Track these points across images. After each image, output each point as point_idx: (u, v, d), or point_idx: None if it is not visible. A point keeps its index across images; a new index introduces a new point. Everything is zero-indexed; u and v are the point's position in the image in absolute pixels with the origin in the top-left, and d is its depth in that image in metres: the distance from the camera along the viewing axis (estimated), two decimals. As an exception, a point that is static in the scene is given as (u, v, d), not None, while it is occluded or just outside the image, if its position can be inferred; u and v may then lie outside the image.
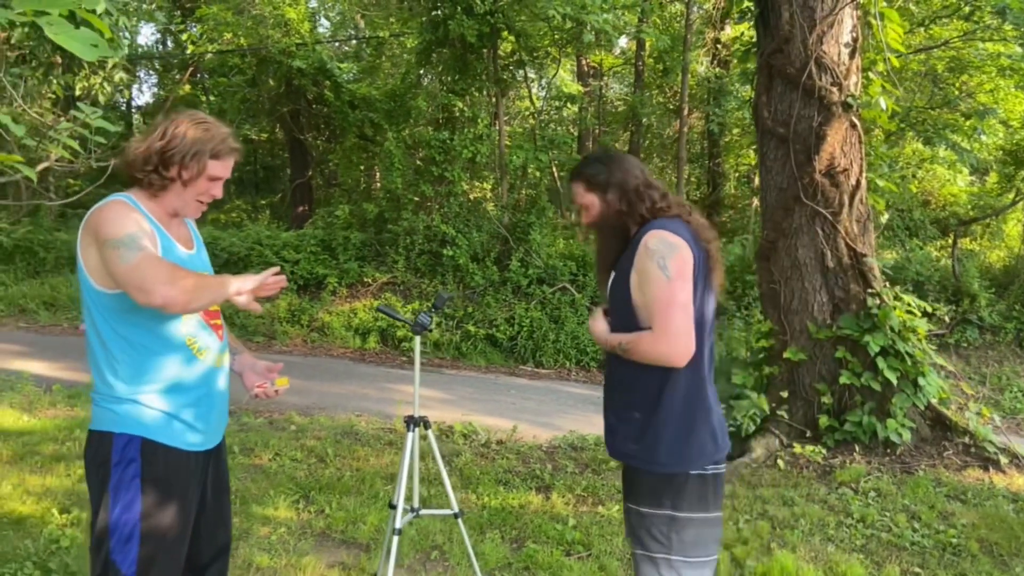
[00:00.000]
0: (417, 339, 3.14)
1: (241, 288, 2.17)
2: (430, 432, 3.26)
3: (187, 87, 21.51)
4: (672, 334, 2.30)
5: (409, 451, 3.11)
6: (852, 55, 5.94)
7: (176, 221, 2.33)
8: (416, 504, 3.28)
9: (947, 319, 12.15)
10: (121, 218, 2.12)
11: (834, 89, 5.84)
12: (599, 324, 2.56)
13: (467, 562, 3.89)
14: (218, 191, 2.29)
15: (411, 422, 3.17)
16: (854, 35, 5.96)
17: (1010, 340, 12.21)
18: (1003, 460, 5.62)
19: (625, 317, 2.44)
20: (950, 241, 13.92)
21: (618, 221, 2.53)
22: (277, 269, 2.31)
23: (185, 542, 2.29)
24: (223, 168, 2.25)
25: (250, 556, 3.85)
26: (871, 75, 6.24)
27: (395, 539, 3.03)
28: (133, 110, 24.47)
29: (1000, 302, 12.56)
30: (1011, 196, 14.94)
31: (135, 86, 23.59)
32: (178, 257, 2.26)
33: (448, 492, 3.34)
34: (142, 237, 2.10)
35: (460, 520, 3.31)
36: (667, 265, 2.32)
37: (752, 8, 6.67)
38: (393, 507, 3.12)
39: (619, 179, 2.52)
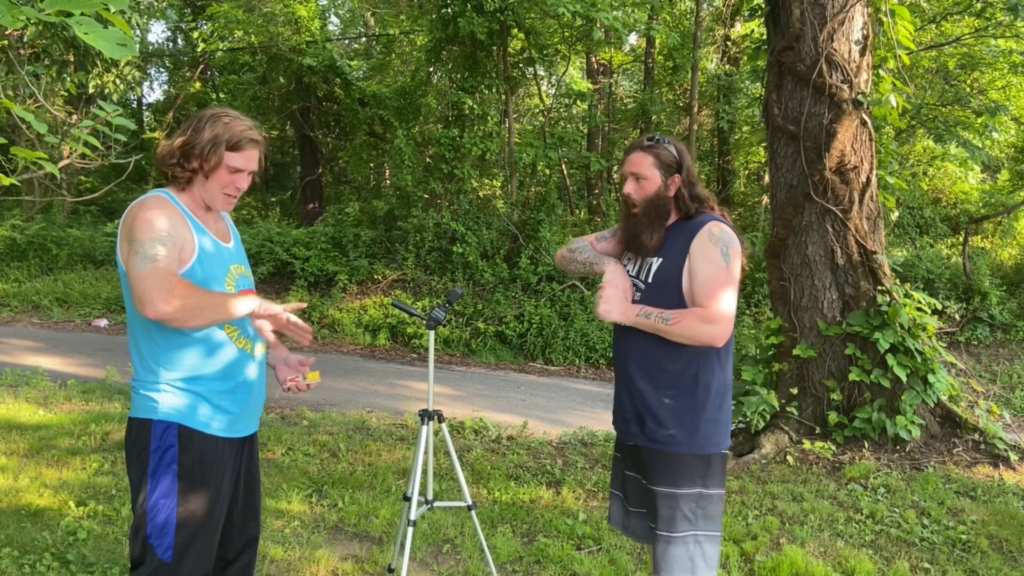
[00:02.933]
0: (431, 334, 3.18)
1: (254, 311, 2.28)
2: (443, 426, 3.29)
3: (197, 84, 21.61)
4: (722, 313, 2.37)
5: (423, 444, 3.14)
6: (863, 52, 5.94)
7: (212, 216, 2.39)
8: (430, 496, 3.31)
9: (957, 317, 12.12)
10: (153, 219, 2.18)
11: (844, 86, 5.84)
12: (622, 297, 2.51)
13: (479, 555, 3.93)
14: (242, 183, 2.35)
15: (425, 416, 3.21)
16: (864, 32, 5.96)
17: (1021, 338, 12.16)
18: (1013, 457, 5.62)
19: (665, 303, 2.46)
20: (961, 239, 13.87)
21: (667, 206, 2.55)
22: (302, 307, 2.41)
23: (219, 530, 2.34)
24: (243, 160, 2.31)
25: (264, 549, 3.89)
26: (882, 72, 6.24)
27: (410, 530, 3.07)
28: (144, 108, 24.58)
29: (1011, 300, 12.52)
30: (1023, 194, 14.88)
31: (145, 84, 23.72)
32: (216, 250, 2.33)
33: (461, 485, 3.38)
34: (161, 244, 2.15)
35: (473, 512, 3.35)
36: (728, 252, 2.42)
37: (762, 5, 6.68)
38: (407, 499, 3.16)
39: (687, 167, 2.56)
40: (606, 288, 2.53)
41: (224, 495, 2.34)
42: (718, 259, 2.41)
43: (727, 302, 2.38)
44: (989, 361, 11.97)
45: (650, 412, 2.50)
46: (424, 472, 3.17)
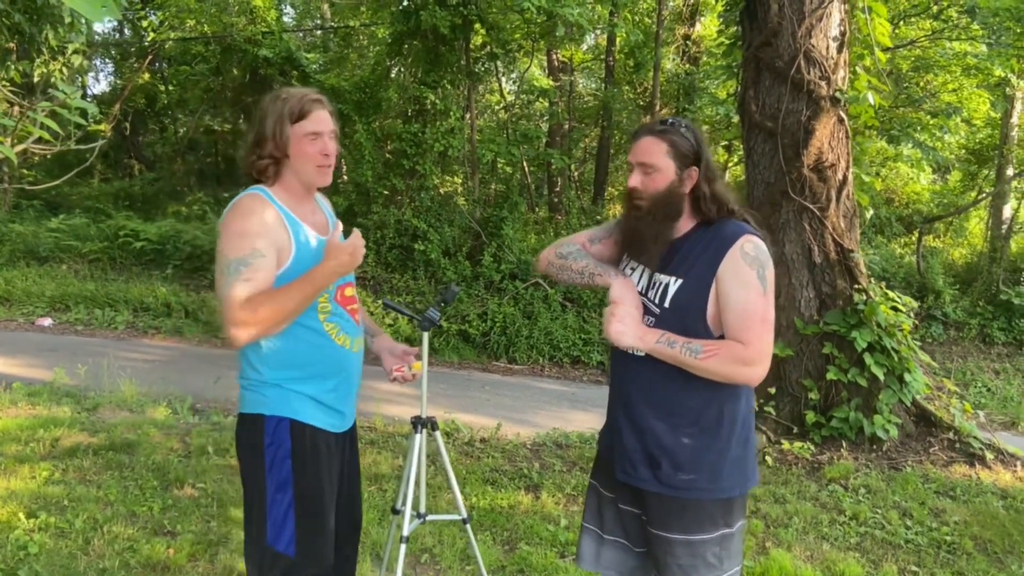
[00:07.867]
0: (425, 335, 2.98)
1: (337, 264, 2.19)
2: (437, 434, 3.09)
3: (146, 76, 20.92)
4: (763, 352, 2.03)
5: (416, 454, 2.94)
6: (840, 49, 5.91)
7: (311, 207, 2.33)
8: (422, 510, 3.10)
9: (912, 315, 12.32)
10: (243, 232, 2.13)
11: (822, 83, 5.79)
12: (637, 317, 2.12)
13: (459, 565, 3.77)
14: (327, 147, 2.26)
15: (418, 423, 3.01)
16: (842, 29, 5.92)
17: (974, 336, 12.41)
18: (988, 456, 5.64)
19: (685, 331, 2.08)
20: (914, 238, 14.12)
21: (679, 204, 2.13)
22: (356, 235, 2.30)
23: (332, 518, 2.35)
24: (314, 123, 2.23)
25: (231, 562, 3.67)
26: (858, 70, 6.21)
27: (402, 548, 2.87)
28: (89, 99, 23.76)
29: (964, 298, 12.77)
30: (973, 194, 15.22)
31: (91, 75, 22.88)
32: (317, 245, 2.26)
33: (456, 496, 3.19)
34: (245, 265, 2.10)
35: (468, 526, 3.16)
36: (766, 276, 2.06)
37: (738, 0, 6.60)
38: (397, 512, 2.96)
39: (707, 159, 2.14)
40: (618, 305, 2.13)
41: (334, 486, 2.35)
42: (754, 284, 2.03)
43: (768, 336, 2.04)
44: (943, 359, 12.18)
45: (667, 455, 2.12)
46: (417, 484, 2.97)
